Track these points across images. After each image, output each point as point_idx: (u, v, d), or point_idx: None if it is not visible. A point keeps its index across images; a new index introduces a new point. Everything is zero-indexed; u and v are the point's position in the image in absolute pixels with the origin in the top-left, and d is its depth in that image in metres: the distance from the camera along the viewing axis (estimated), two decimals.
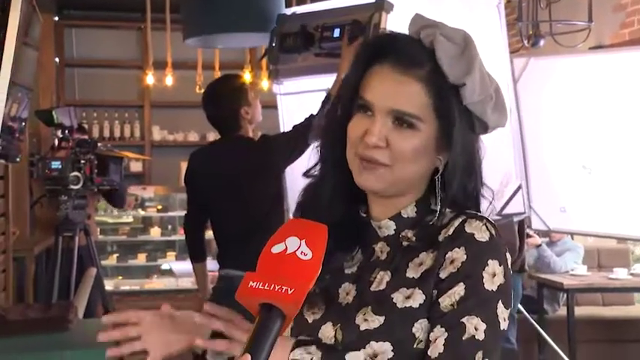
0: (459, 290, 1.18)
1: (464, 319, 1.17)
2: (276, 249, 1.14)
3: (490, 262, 1.20)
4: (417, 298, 1.20)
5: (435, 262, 1.22)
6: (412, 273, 1.23)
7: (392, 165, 1.23)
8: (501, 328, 1.19)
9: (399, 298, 1.21)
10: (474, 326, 1.17)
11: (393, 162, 1.23)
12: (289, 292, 1.08)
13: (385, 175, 1.24)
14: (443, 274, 1.20)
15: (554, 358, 5.43)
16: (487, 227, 1.22)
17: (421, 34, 1.25)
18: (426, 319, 1.20)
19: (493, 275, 1.19)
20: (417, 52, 1.24)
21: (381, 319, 1.20)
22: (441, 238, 1.23)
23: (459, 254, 1.20)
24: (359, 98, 1.25)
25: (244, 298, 1.11)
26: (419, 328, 1.19)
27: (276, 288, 1.09)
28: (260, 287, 1.09)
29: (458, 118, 1.23)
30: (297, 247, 1.14)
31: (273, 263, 1.13)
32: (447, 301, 1.18)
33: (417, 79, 1.23)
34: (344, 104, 1.29)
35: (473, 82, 1.22)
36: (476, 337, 1.16)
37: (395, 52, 1.24)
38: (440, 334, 1.17)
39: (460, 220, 1.23)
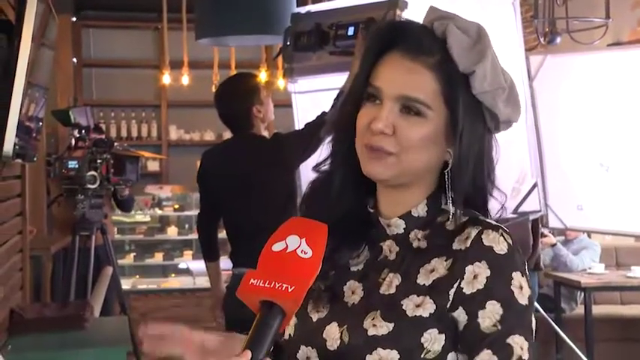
0: (496, 309, 1.16)
1: (509, 340, 1.15)
2: (277, 247, 1.15)
3: (514, 274, 1.18)
4: (428, 308, 1.18)
5: (449, 271, 1.19)
6: (423, 279, 1.21)
7: (399, 153, 1.21)
8: (533, 340, 1.18)
9: (409, 306, 1.19)
10: (520, 346, 1.15)
11: (400, 150, 1.20)
12: (289, 289, 1.09)
13: (393, 164, 1.21)
14: (467, 290, 1.17)
15: (572, 357, 5.40)
16: (504, 238, 1.20)
17: (434, 24, 1.23)
18: (435, 329, 1.17)
19: (521, 288, 1.18)
20: (428, 40, 1.22)
21: (390, 325, 1.18)
22: (455, 246, 1.20)
23: (481, 269, 1.18)
24: (369, 86, 1.24)
25: (245, 296, 1.11)
26: (428, 338, 1.17)
27: (277, 286, 1.09)
28: (260, 285, 1.10)
29: (465, 106, 1.21)
30: (297, 245, 1.14)
31: (273, 261, 1.13)
32: (487, 322, 1.16)
33: (427, 66, 1.21)
34: (355, 96, 1.27)
35: (484, 70, 1.21)
36: (523, 357, 1.15)
37: (405, 39, 1.23)
38: (488, 358, 1.15)
39: (476, 231, 1.20)
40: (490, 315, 1.16)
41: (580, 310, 6.09)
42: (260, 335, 1.08)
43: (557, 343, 5.87)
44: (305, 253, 1.13)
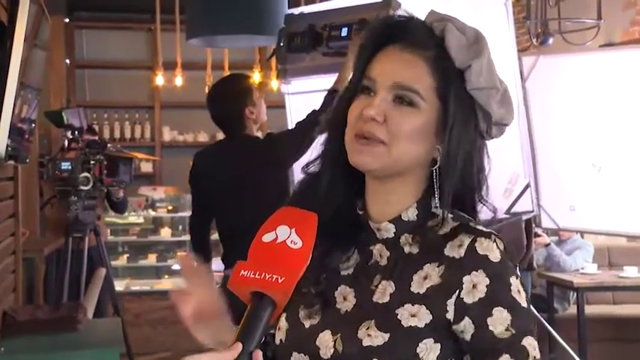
0: (504, 315, 1.16)
1: (523, 342, 1.16)
2: (267, 238, 1.14)
3: (511, 280, 1.19)
4: (423, 318, 1.17)
5: (443, 280, 1.18)
6: (417, 287, 1.19)
7: (389, 143, 1.19)
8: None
9: (404, 315, 1.18)
10: (533, 347, 1.17)
11: (390, 139, 1.19)
12: (279, 280, 1.09)
13: (382, 154, 1.20)
14: (468, 299, 1.17)
15: (565, 357, 5.40)
16: (497, 245, 1.20)
17: (433, 24, 1.24)
18: (431, 339, 1.17)
19: (519, 292, 1.19)
20: (426, 35, 1.23)
21: (386, 336, 1.17)
22: (447, 252, 1.20)
23: (478, 278, 1.17)
24: (364, 79, 1.24)
25: (236, 287, 1.11)
26: (423, 348, 1.17)
27: (267, 277, 1.09)
28: (251, 276, 1.10)
29: (458, 101, 1.21)
30: (287, 235, 1.14)
31: (263, 252, 1.13)
32: (500, 328, 1.16)
33: (423, 59, 1.21)
34: (350, 92, 1.26)
35: (480, 66, 1.21)
36: (536, 357, 1.17)
37: (405, 34, 1.23)
38: None
39: (469, 239, 1.19)
40: (500, 321, 1.16)
41: (573, 310, 6.10)
42: (250, 327, 1.08)
43: (549, 343, 5.86)
44: (295, 244, 1.13)
